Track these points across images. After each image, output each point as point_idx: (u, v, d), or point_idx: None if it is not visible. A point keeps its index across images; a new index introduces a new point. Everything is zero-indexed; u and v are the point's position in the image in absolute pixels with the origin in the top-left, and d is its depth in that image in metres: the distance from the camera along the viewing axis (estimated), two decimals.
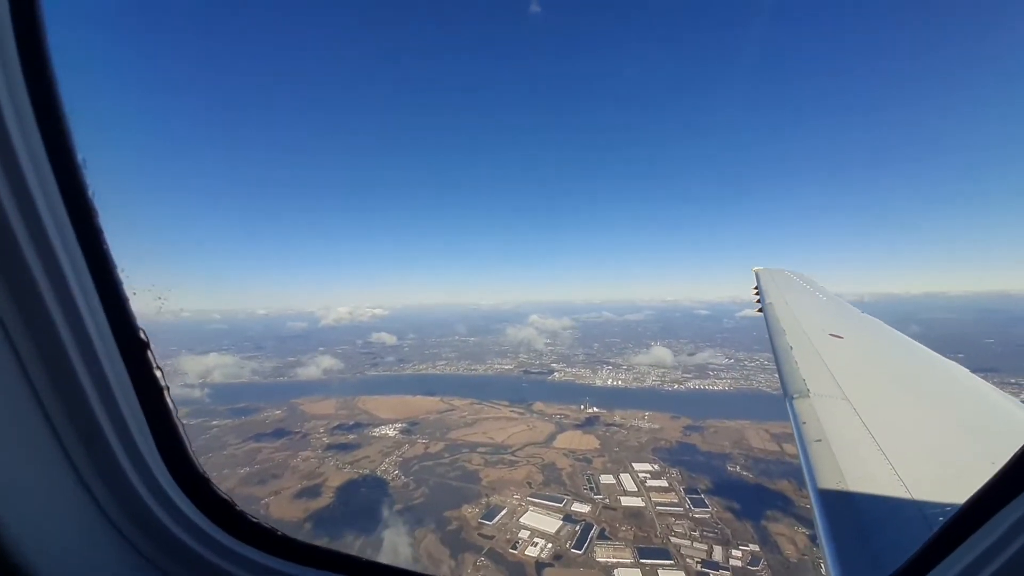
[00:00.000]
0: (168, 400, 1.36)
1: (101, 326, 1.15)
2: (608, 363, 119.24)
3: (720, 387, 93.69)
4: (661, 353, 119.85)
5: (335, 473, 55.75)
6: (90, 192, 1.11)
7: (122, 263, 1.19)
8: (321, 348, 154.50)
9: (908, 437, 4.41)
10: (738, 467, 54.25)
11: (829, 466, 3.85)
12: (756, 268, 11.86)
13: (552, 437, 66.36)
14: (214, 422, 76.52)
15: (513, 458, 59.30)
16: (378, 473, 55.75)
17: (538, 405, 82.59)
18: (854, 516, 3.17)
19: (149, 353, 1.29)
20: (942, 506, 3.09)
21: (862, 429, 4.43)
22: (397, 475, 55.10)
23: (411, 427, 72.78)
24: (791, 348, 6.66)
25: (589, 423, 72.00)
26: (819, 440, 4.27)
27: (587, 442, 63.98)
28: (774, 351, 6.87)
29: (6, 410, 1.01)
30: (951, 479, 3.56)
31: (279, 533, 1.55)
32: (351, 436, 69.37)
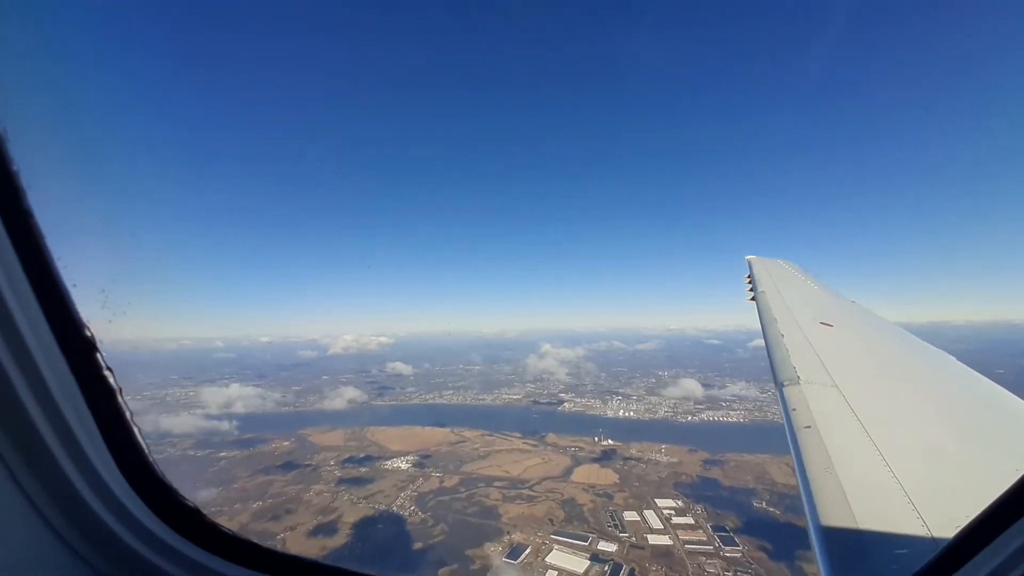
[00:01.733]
0: (121, 403, 1.26)
1: (36, 322, 1.04)
2: (618, 393, 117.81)
3: (734, 419, 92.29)
4: (690, 385, 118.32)
5: (350, 508, 54.19)
6: (14, 167, 0.99)
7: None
8: (343, 377, 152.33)
9: (897, 424, 4.44)
10: (764, 503, 52.91)
11: (818, 452, 3.87)
12: (749, 257, 11.74)
13: (569, 471, 64.88)
14: (221, 453, 74.80)
15: (531, 493, 57.82)
16: (394, 509, 54.20)
17: (551, 437, 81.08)
18: (842, 502, 3.15)
19: (98, 354, 1.19)
20: (931, 492, 3.12)
21: (851, 416, 4.46)
22: (414, 511, 53.59)
23: (424, 460, 71.21)
24: (782, 336, 6.67)
25: (606, 457, 70.56)
26: (808, 427, 4.30)
27: (606, 476, 62.54)
28: (765, 339, 6.89)
29: None
30: (940, 467, 3.57)
31: (253, 543, 1.48)
32: (363, 469, 67.78)
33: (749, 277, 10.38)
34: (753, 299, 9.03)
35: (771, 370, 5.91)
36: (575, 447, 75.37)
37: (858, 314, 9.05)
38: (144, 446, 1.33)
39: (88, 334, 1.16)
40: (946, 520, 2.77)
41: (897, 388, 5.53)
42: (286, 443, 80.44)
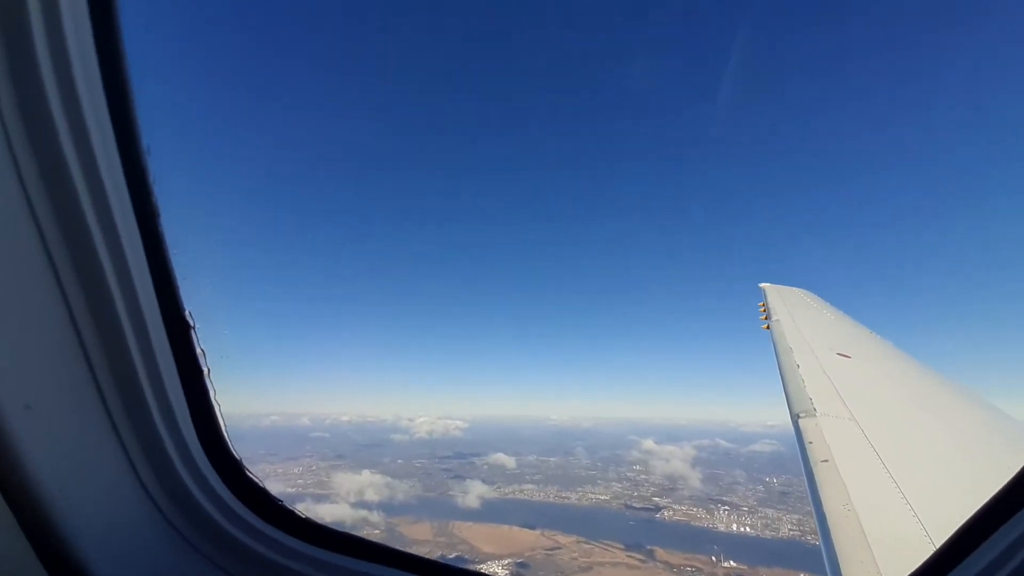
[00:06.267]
0: (208, 382, 1.39)
1: (150, 302, 1.19)
2: (723, 502, 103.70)
3: None
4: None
5: None
6: (151, 178, 1.18)
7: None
8: (416, 463, 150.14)
9: (918, 461, 4.29)
10: None
11: (835, 488, 3.76)
12: (763, 285, 11.30)
13: None
14: None
15: None
16: None
17: (659, 552, 71.53)
18: (861, 541, 3.05)
19: (193, 334, 1.33)
20: (951, 531, 2.22)
21: (870, 451, 4.32)
22: None
23: (521, 568, 65.15)
24: (798, 366, 6.51)
25: None
26: (825, 460, 4.20)
27: None
28: (780, 369, 6.74)
29: (64, 379, 1.04)
30: (961, 505, 3.13)
31: (311, 520, 1.54)
32: None
33: (763, 305, 10.10)
34: (767, 328, 8.92)
35: (786, 401, 5.79)
36: (691, 567, 65.50)
37: (877, 345, 8.77)
38: (222, 422, 1.45)
39: (187, 316, 1.32)
40: None
41: (918, 423, 5.38)
42: (377, 532, 78.18)
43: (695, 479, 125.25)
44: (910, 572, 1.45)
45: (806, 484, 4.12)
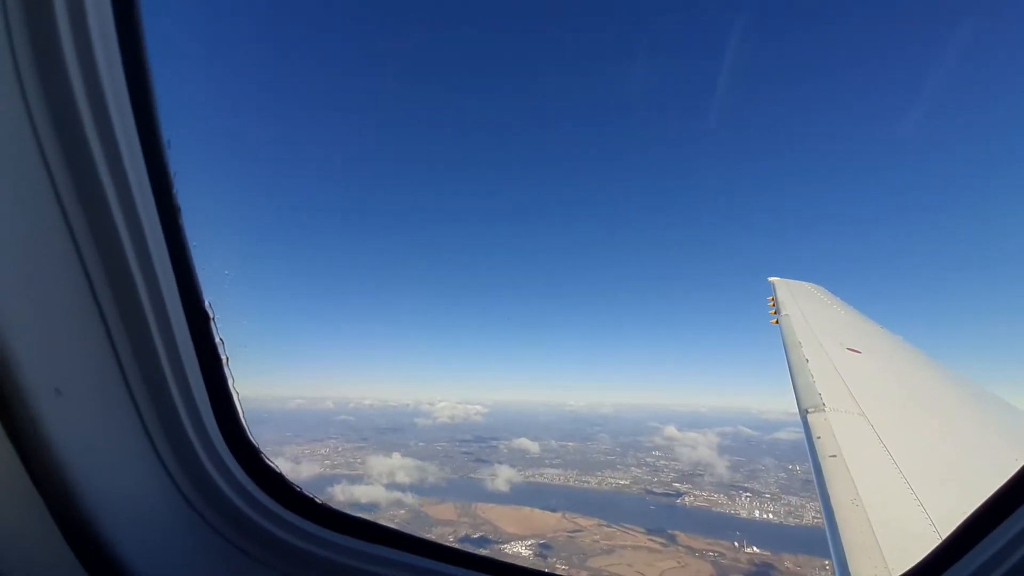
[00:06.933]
0: (226, 371, 1.43)
1: (172, 293, 1.23)
2: (744, 488, 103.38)
3: None
4: None
5: None
6: (171, 171, 1.22)
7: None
8: (437, 446, 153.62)
9: (927, 456, 4.27)
10: None
11: (843, 483, 3.77)
12: (773, 279, 11.22)
13: None
14: None
15: None
16: None
17: (681, 536, 72.07)
18: (869, 536, 3.02)
19: (212, 325, 1.37)
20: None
21: (879, 446, 4.28)
22: None
23: (544, 549, 66.58)
24: (807, 361, 6.47)
25: (761, 571, 60.47)
26: (834, 456, 4.19)
27: None
28: (789, 363, 6.72)
29: (91, 365, 1.08)
30: (971, 502, 2.52)
31: (326, 505, 1.58)
32: (483, 550, 64.69)
33: (773, 299, 10.04)
34: (776, 322, 8.90)
35: (795, 395, 5.76)
36: (713, 552, 65.84)
37: (887, 340, 8.73)
38: (240, 409, 1.50)
39: (207, 307, 1.37)
40: None
41: (928, 418, 5.37)
42: (402, 511, 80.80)
43: (722, 466, 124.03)
44: (914, 564, 1.50)
45: (815, 479, 4.15)
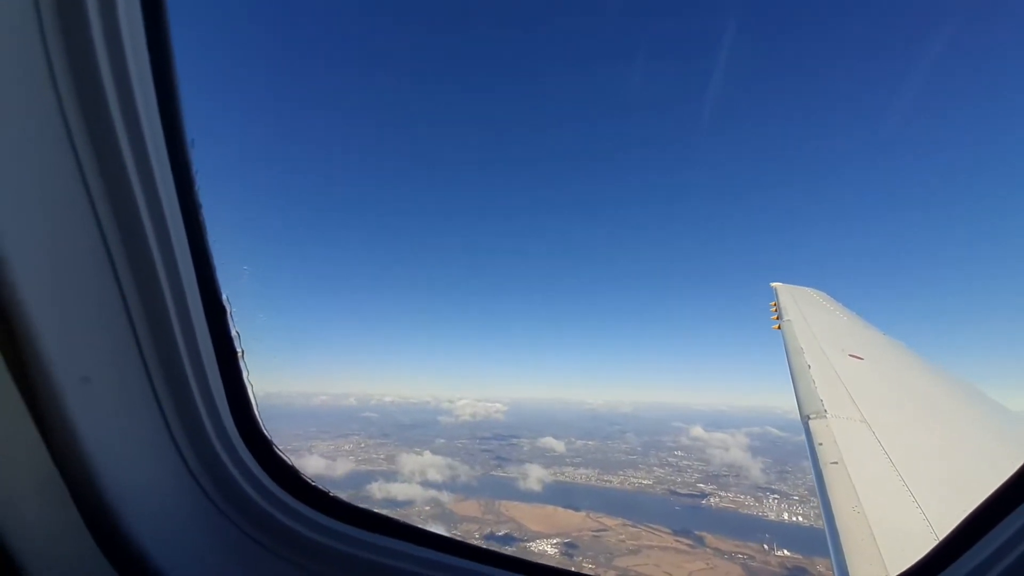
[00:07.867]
0: (242, 363, 1.45)
1: (191, 286, 1.26)
2: (772, 490, 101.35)
3: None
4: None
5: None
6: (194, 169, 1.25)
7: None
8: (457, 443, 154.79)
9: (929, 464, 4.24)
10: None
11: (845, 490, 3.74)
12: (775, 284, 11.22)
13: None
14: None
15: None
16: None
17: (709, 538, 71.20)
18: (870, 544, 3.01)
19: (228, 317, 1.40)
20: None
21: (881, 453, 4.26)
22: None
23: (570, 548, 66.69)
24: (809, 367, 6.47)
25: (794, 575, 59.33)
26: (835, 462, 4.20)
27: None
28: (791, 369, 6.73)
29: (115, 356, 1.11)
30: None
31: (339, 498, 1.59)
32: (509, 548, 65.32)
33: (775, 304, 10.03)
34: (778, 327, 8.88)
35: (796, 401, 5.75)
36: (743, 554, 64.86)
37: (889, 347, 8.74)
38: (254, 402, 1.52)
39: (224, 300, 1.40)
40: None
41: (931, 426, 5.33)
42: (428, 508, 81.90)
43: (755, 468, 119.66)
44: (910, 565, 1.51)
45: (816, 486, 4.14)
